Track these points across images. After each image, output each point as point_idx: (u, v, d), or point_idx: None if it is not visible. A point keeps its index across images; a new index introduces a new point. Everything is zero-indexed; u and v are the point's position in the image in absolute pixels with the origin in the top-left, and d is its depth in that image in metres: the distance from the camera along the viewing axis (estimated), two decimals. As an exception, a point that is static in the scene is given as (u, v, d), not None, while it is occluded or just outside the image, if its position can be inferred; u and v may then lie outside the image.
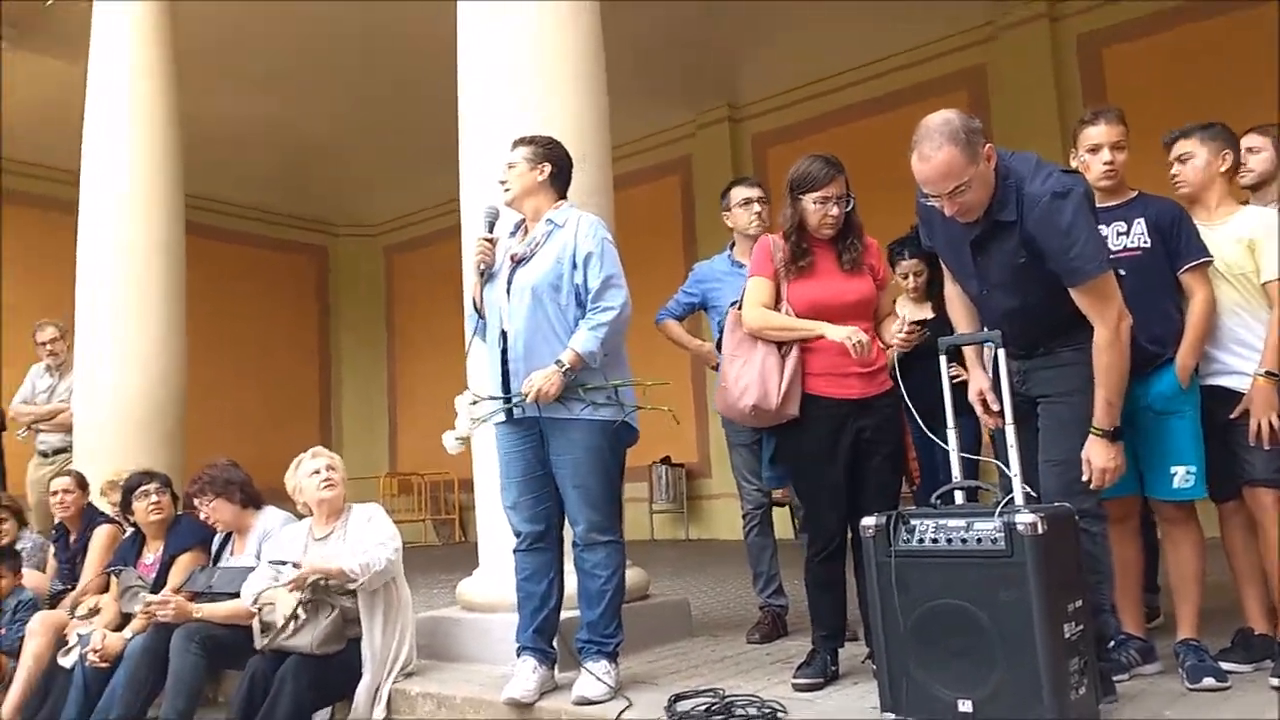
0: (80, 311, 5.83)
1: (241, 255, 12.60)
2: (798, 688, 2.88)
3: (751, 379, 2.98)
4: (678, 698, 2.80)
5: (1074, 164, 3.04)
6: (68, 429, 6.02)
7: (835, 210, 3.02)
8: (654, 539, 10.40)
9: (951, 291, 2.92)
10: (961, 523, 2.34)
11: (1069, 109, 8.10)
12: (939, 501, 2.50)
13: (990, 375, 2.82)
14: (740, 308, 3.13)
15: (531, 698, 2.96)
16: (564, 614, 3.18)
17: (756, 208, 3.98)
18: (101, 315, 5.73)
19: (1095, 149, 3.00)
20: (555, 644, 3.13)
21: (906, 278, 4.21)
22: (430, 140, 9.07)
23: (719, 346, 3.41)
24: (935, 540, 2.35)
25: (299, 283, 13.84)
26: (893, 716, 2.36)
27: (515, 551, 3.15)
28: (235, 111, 9.62)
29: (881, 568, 2.41)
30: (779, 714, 2.61)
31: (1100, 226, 2.71)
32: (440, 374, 12.19)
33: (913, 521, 2.41)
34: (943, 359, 2.64)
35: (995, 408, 2.73)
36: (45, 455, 6.29)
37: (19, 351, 7.64)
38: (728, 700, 2.72)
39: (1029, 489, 2.47)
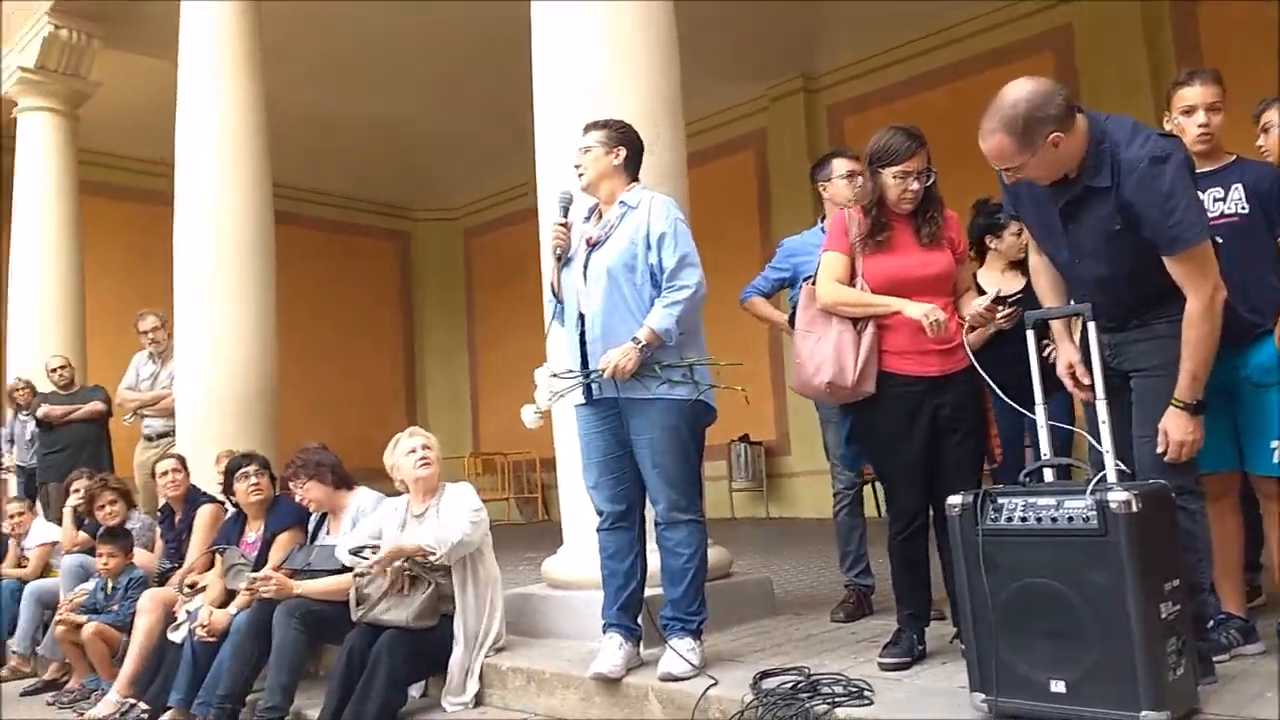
0: (178, 300, 6.07)
1: (327, 242, 12.95)
2: (884, 666, 2.86)
3: (826, 355, 2.95)
4: (763, 675, 2.81)
5: (1168, 127, 2.92)
6: (170, 414, 6.30)
7: (916, 185, 2.96)
8: (734, 517, 10.42)
9: (1037, 262, 2.84)
10: (1052, 501, 2.29)
11: (1163, 72, 7.75)
12: (1028, 479, 2.45)
13: (1080, 348, 2.74)
14: (814, 283, 3.10)
15: (618, 673, 3.01)
16: (648, 591, 3.22)
17: (860, 180, 3.88)
18: (197, 304, 5.97)
19: (1189, 111, 2.88)
20: (640, 621, 3.18)
21: (1019, 234, 4.01)
22: (507, 123, 9.18)
23: (792, 322, 3.38)
24: (1024, 519, 2.31)
25: (383, 268, 14.17)
26: (982, 696, 2.33)
27: (598, 530, 3.20)
28: (318, 102, 9.86)
29: (968, 547, 2.37)
30: (865, 692, 2.60)
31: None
32: (520, 355, 12.28)
33: (1000, 500, 2.36)
34: (1030, 333, 2.58)
35: (1086, 382, 2.65)
36: (150, 439, 6.61)
37: (121, 338, 8.00)
38: (813, 678, 2.72)
39: (1122, 465, 2.41)
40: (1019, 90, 2.42)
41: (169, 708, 3.95)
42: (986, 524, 2.35)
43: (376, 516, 3.77)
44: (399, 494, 3.82)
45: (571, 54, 3.88)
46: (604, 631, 3.14)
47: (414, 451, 3.67)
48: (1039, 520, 2.29)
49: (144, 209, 10.21)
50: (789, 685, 2.70)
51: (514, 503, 12.65)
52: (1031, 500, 2.32)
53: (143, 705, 4.11)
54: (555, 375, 3.05)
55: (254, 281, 6.04)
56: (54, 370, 7.29)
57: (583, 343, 3.09)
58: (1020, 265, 3.86)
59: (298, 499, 4.18)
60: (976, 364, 2.81)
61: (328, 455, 4.16)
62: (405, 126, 11.10)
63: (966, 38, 9.19)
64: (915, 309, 2.85)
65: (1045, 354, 3.76)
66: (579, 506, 3.54)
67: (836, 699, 2.56)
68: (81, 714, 4.35)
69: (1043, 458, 2.51)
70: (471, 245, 14.40)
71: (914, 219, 3.03)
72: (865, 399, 2.97)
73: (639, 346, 2.94)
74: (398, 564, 3.44)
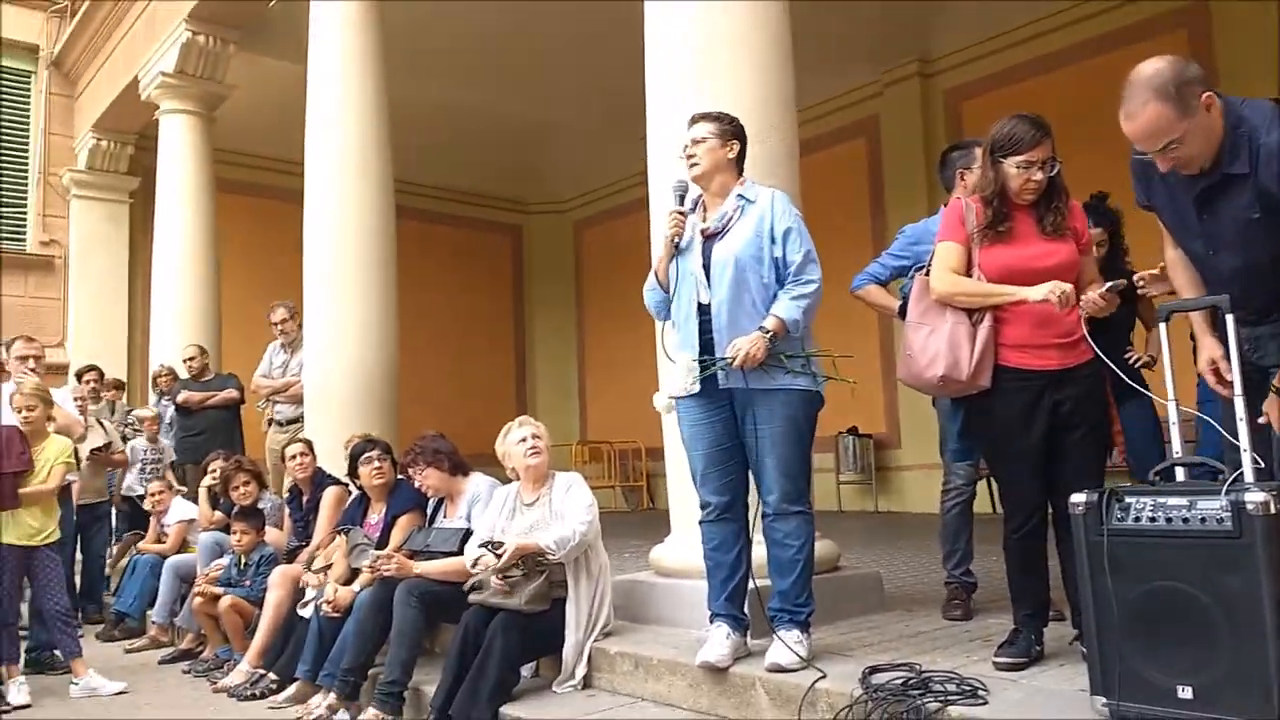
0: (306, 292, 6.35)
1: (441, 235, 13.32)
2: (999, 666, 2.80)
3: (940, 348, 2.89)
4: (872, 670, 2.78)
5: None
6: (299, 400, 6.62)
7: (1039, 175, 2.86)
8: (841, 510, 10.28)
9: (1172, 255, 2.72)
10: (1183, 501, 2.20)
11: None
12: (1157, 478, 2.36)
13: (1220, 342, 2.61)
14: (926, 274, 3.04)
15: (725, 663, 3.03)
16: (754, 583, 3.22)
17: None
18: (324, 296, 6.23)
19: None
20: (747, 611, 3.19)
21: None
22: (616, 116, 9.28)
23: (902, 313, 3.31)
24: (1153, 519, 2.22)
25: (496, 259, 14.51)
26: (1103, 700, 2.26)
27: (702, 523, 3.21)
28: (435, 98, 10.14)
29: (1092, 547, 2.30)
30: (979, 691, 2.54)
31: None
32: (626, 345, 12.48)
33: (1128, 499, 2.28)
34: (1162, 327, 2.47)
35: (1229, 378, 2.53)
36: (280, 424, 6.95)
37: (254, 327, 8.44)
38: (925, 675, 2.68)
39: (1260, 462, 2.29)
40: (1153, 63, 2.33)
41: (296, 679, 4.17)
42: (1112, 524, 2.28)
43: (493, 506, 3.87)
44: (510, 480, 3.93)
45: (683, 43, 3.89)
46: (710, 621, 3.16)
47: (524, 441, 3.76)
48: (1169, 521, 2.20)
49: (274, 205, 10.72)
50: (899, 681, 2.66)
51: (620, 491, 12.79)
52: (1161, 500, 2.23)
53: (271, 676, 4.34)
54: (695, 361, 3.03)
55: (377, 275, 6.26)
56: (187, 360, 7.75)
57: (703, 332, 3.09)
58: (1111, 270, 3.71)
59: (416, 484, 4.33)
60: (1104, 356, 2.70)
61: (445, 443, 4.30)
62: (519, 121, 11.32)
63: (1092, 16, 8.77)
64: (1036, 292, 2.75)
65: (1130, 359, 3.60)
66: (687, 496, 3.57)
67: (949, 697, 2.52)
68: (214, 683, 4.60)
69: (1173, 454, 2.41)
70: (581, 237, 14.60)
71: (1036, 209, 2.93)
72: (981, 392, 2.90)
73: (767, 336, 2.97)
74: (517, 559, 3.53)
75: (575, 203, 14.46)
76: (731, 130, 3.19)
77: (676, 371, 3.04)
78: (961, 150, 3.87)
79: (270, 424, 7.30)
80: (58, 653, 4.85)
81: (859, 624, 3.61)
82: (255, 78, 9.25)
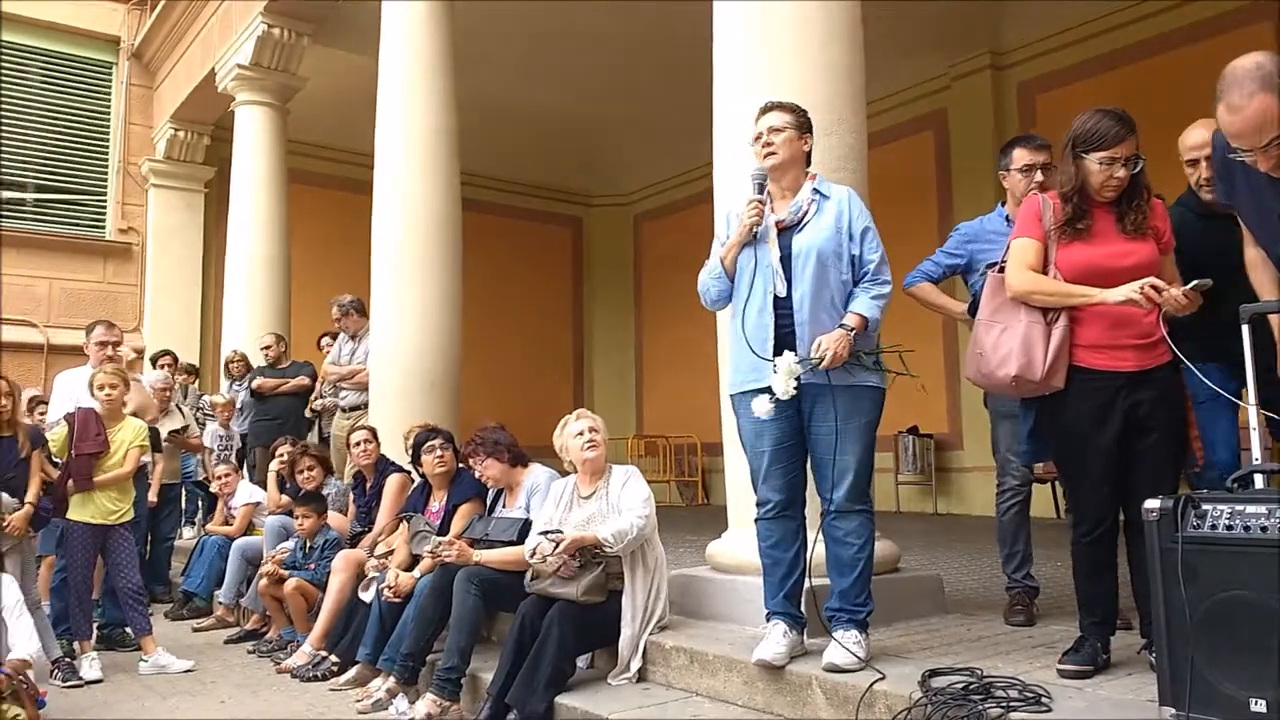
0: (374, 283, 6.45)
1: (504, 227, 13.45)
2: (1064, 674, 2.73)
3: (1013, 347, 2.82)
4: (932, 674, 2.74)
5: None
6: (364, 388, 6.74)
7: (1122, 172, 2.76)
8: (899, 511, 10.15)
9: (1253, 255, 2.63)
10: (1262, 509, 2.12)
11: None
12: (1235, 485, 2.28)
13: None
14: (999, 270, 2.97)
15: (782, 661, 3.01)
16: (811, 581, 3.20)
17: (1038, 176, 3.63)
18: (390, 287, 6.33)
19: None
20: (804, 609, 3.16)
21: None
22: (680, 109, 9.26)
23: (972, 311, 3.25)
24: (1230, 527, 2.15)
25: (556, 252, 14.61)
26: (1172, 711, 2.19)
27: (759, 520, 3.19)
28: (500, 93, 10.24)
29: (1165, 554, 2.23)
30: (1043, 699, 2.49)
31: None
32: (684, 339, 12.48)
33: (1204, 506, 2.21)
34: (1245, 329, 2.38)
35: None
36: (345, 411, 7.09)
37: (321, 315, 8.61)
38: (986, 680, 2.63)
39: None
40: (1253, 57, 2.25)
41: (357, 662, 4.25)
42: (1187, 531, 2.21)
43: (550, 499, 3.90)
44: (568, 473, 3.95)
45: (751, 36, 3.86)
46: (767, 619, 3.14)
47: (581, 434, 3.78)
48: (1247, 529, 2.13)
49: (344, 196, 10.92)
50: (960, 686, 2.61)
51: (674, 485, 12.79)
52: (1239, 508, 2.16)
53: (333, 658, 4.43)
54: (797, 361, 2.94)
55: (442, 267, 6.34)
56: (265, 348, 7.95)
57: (778, 325, 3.04)
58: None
59: (476, 475, 4.38)
60: (1184, 359, 2.61)
61: (505, 435, 4.35)
62: (583, 115, 11.37)
63: (1174, 7, 8.50)
64: (1117, 294, 2.66)
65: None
66: (745, 492, 3.54)
67: (1011, 703, 2.47)
68: (278, 663, 4.72)
69: (1254, 460, 2.32)
70: (641, 230, 14.61)
71: (1116, 206, 2.84)
72: (1053, 393, 2.83)
73: (849, 333, 2.96)
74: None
75: (636, 196, 14.48)
76: (805, 123, 3.18)
77: (777, 372, 2.91)
78: (1002, 151, 3.82)
79: (315, 414, 7.47)
80: (129, 630, 5.01)
81: (918, 627, 3.56)
82: (327, 70, 9.43)
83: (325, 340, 7.92)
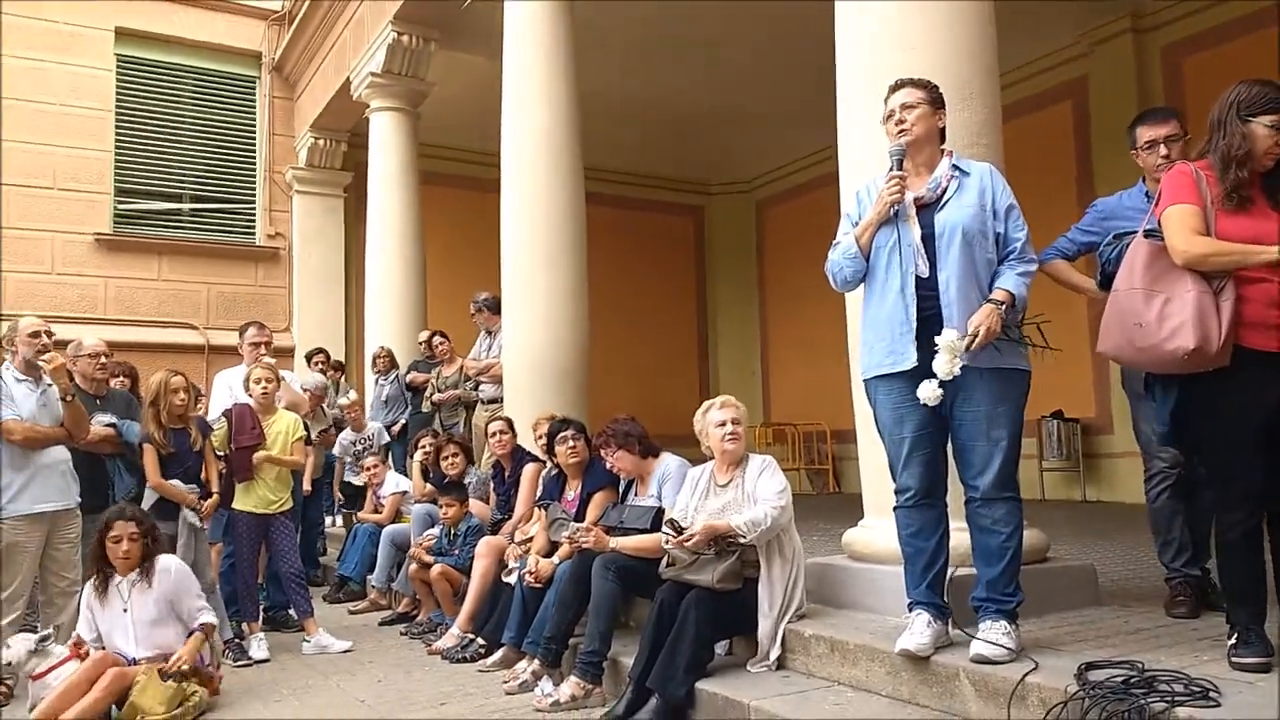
0: (505, 280, 6.63)
1: (626, 219, 13.54)
2: (1241, 667, 2.58)
3: (1186, 318, 2.61)
4: (1089, 666, 2.63)
5: None
6: (499, 380, 6.93)
7: None
8: (1044, 499, 9.75)
9: None
10: None
11: None
12: None
13: None
14: (1146, 236, 2.80)
15: (926, 651, 2.95)
16: (953, 570, 3.12)
17: (1163, 150, 3.47)
18: (520, 283, 6.48)
19: None
20: (948, 599, 3.09)
21: None
22: (800, 93, 9.14)
23: (1105, 285, 3.05)
24: None
25: (678, 242, 14.63)
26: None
27: (899, 508, 3.13)
28: (620, 86, 10.31)
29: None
30: (1211, 693, 2.36)
31: None
32: (810, 324, 12.31)
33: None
34: None
35: None
36: (484, 404, 7.32)
37: (453, 314, 8.90)
38: (1148, 674, 2.51)
39: None
40: None
41: (502, 644, 4.40)
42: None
43: (686, 487, 3.93)
44: (700, 459, 3.97)
45: (876, 10, 3.78)
46: (909, 609, 3.09)
47: (724, 425, 3.78)
48: None
49: (473, 196, 11.23)
50: (1120, 679, 2.50)
51: (804, 473, 12.65)
52: None
53: (480, 640, 4.60)
54: (961, 337, 2.86)
55: (567, 261, 6.46)
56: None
57: (920, 304, 2.97)
58: None
59: (608, 466, 4.46)
60: None
61: (636, 426, 4.40)
62: (702, 106, 11.33)
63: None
64: None
65: None
66: (882, 480, 3.48)
67: (1176, 698, 2.35)
68: (429, 645, 4.93)
69: None
70: (764, 216, 14.47)
71: (1267, 179, 2.67)
72: (1210, 373, 2.65)
73: (1000, 309, 2.89)
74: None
75: (757, 182, 14.35)
76: (939, 99, 3.12)
77: (939, 352, 2.84)
78: (1129, 130, 3.67)
79: (434, 407, 7.71)
80: (292, 612, 5.33)
81: (1070, 618, 3.42)
82: (455, 74, 9.71)
83: (437, 340, 8.09)
